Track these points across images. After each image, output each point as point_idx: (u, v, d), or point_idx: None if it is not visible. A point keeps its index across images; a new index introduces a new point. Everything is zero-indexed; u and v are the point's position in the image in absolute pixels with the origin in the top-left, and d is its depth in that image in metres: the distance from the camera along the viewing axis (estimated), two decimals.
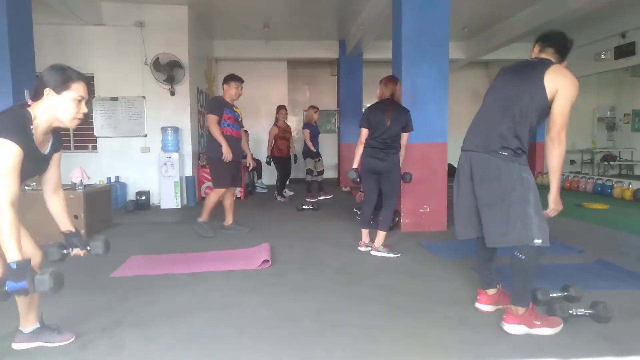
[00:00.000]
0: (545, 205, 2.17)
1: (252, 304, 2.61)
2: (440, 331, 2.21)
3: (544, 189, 2.15)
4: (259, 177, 8.83)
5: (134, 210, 6.23)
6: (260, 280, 3.04)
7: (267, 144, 7.23)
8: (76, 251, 2.01)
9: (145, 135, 6.73)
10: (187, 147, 6.89)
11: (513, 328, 2.16)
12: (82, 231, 4.15)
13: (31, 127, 1.78)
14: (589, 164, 9.85)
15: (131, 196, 6.59)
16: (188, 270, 3.26)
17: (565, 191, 7.93)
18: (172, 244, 4.17)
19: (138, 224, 5.27)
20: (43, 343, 2.06)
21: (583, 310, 2.23)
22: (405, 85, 4.40)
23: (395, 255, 3.63)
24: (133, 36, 6.53)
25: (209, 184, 5.82)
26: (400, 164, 3.67)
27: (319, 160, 7.15)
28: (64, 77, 1.82)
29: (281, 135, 7.06)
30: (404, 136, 3.63)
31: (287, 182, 7.64)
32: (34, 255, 1.91)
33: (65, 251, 1.98)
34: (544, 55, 2.22)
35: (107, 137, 6.68)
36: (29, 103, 1.83)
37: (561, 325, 2.17)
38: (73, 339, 2.11)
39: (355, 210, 5.48)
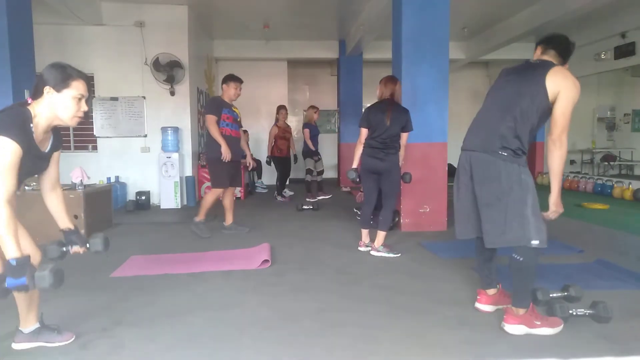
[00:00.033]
0: (545, 207, 2.17)
1: (252, 304, 2.61)
2: (440, 331, 2.21)
3: (544, 189, 2.15)
4: (259, 177, 8.84)
5: (134, 210, 6.23)
6: (260, 280, 3.04)
7: (267, 144, 7.23)
8: (75, 248, 2.00)
9: (145, 135, 6.73)
10: (187, 147, 6.90)
11: (514, 328, 2.16)
12: (82, 231, 4.14)
13: (31, 125, 1.78)
14: (589, 164, 9.86)
15: (131, 196, 6.60)
16: (188, 270, 3.26)
17: (565, 191, 7.92)
18: (172, 244, 4.17)
19: (138, 224, 5.27)
20: (43, 343, 2.06)
21: (583, 310, 2.23)
22: (405, 85, 4.40)
23: (395, 255, 3.63)
24: (133, 36, 6.53)
25: (209, 184, 5.82)
26: (400, 164, 3.68)
27: (319, 160, 7.16)
28: (64, 75, 1.81)
29: (281, 135, 7.07)
30: (404, 136, 3.63)
31: (287, 182, 7.65)
32: (34, 254, 1.90)
33: (64, 248, 1.98)
34: (546, 58, 2.23)
35: (107, 137, 6.68)
36: (29, 101, 1.83)
37: (561, 326, 2.17)
38: (73, 339, 2.11)
39: (355, 210, 5.48)
